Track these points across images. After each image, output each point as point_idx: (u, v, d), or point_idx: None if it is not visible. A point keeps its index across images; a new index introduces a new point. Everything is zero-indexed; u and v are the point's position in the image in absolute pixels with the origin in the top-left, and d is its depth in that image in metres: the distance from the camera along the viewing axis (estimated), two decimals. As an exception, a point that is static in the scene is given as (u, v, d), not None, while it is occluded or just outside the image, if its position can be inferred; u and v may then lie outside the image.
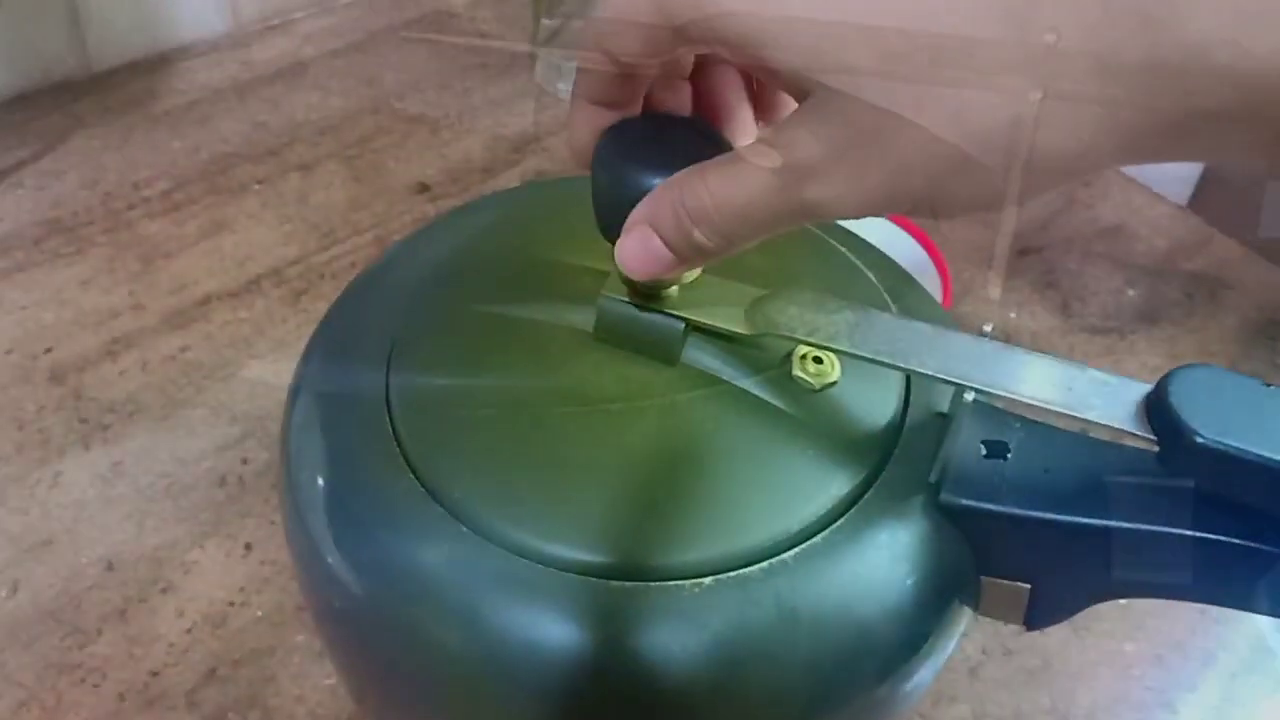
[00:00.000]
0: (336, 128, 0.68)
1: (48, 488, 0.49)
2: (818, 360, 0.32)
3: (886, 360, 0.30)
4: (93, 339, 0.55)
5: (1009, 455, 0.30)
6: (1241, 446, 0.26)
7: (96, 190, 0.63)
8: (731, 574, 0.28)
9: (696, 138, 0.30)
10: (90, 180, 0.64)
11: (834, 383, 0.32)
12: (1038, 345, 0.58)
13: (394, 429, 0.31)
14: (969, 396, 0.30)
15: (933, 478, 0.30)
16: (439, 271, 0.35)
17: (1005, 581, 0.31)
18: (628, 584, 0.28)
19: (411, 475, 0.30)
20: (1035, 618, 0.32)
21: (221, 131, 0.68)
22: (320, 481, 0.31)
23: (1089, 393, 0.28)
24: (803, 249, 0.37)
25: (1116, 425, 0.28)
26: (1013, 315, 0.60)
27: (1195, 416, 0.26)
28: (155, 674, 0.43)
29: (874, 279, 0.36)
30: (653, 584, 0.28)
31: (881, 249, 0.54)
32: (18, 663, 0.43)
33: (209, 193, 0.64)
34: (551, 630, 0.28)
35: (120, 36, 0.71)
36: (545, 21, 0.70)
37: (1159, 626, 0.47)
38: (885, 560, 0.29)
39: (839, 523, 0.29)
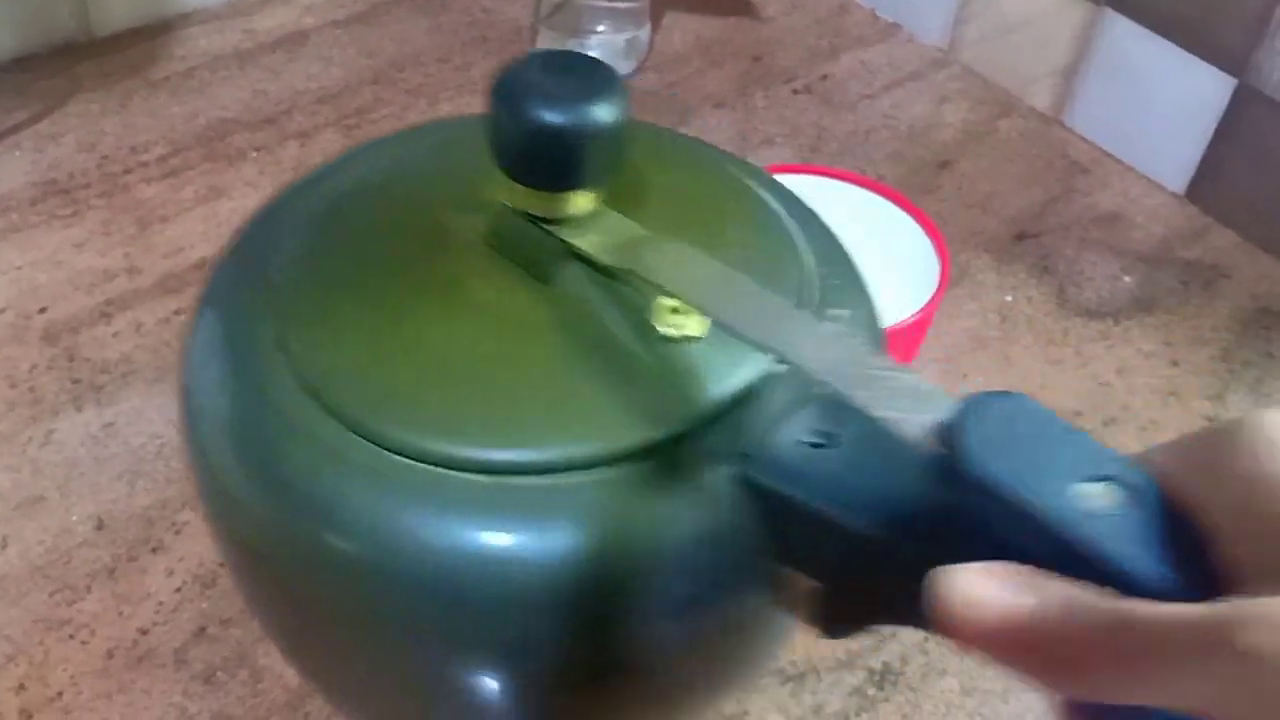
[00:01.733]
0: (336, 97, 0.68)
1: (39, 446, 0.49)
2: (676, 311, 0.32)
3: (716, 316, 0.30)
4: (87, 300, 0.55)
5: (832, 447, 0.29)
6: (1011, 485, 0.23)
7: (94, 153, 0.63)
8: (564, 475, 0.29)
9: (595, 73, 0.31)
10: (88, 143, 0.64)
11: (694, 338, 0.32)
12: (1033, 329, 0.58)
13: (285, 343, 0.31)
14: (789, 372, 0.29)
15: (745, 450, 0.29)
16: (340, 198, 0.36)
17: (801, 576, 0.30)
18: (470, 476, 0.29)
19: (298, 388, 0.30)
20: (830, 623, 0.30)
21: (221, 99, 0.68)
22: (216, 400, 0.32)
23: (898, 393, 0.27)
24: (740, 207, 0.37)
25: (910, 433, 0.26)
26: (1008, 299, 0.60)
27: (977, 444, 0.24)
28: (144, 632, 0.43)
29: (805, 248, 0.36)
30: (489, 477, 0.29)
31: (883, 230, 0.54)
32: (6, 617, 0.43)
33: (206, 159, 0.63)
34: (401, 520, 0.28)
35: (122, 2, 0.71)
36: (548, -4, 0.70)
37: (1147, 608, 0.47)
38: (679, 512, 0.29)
39: (644, 462, 0.29)
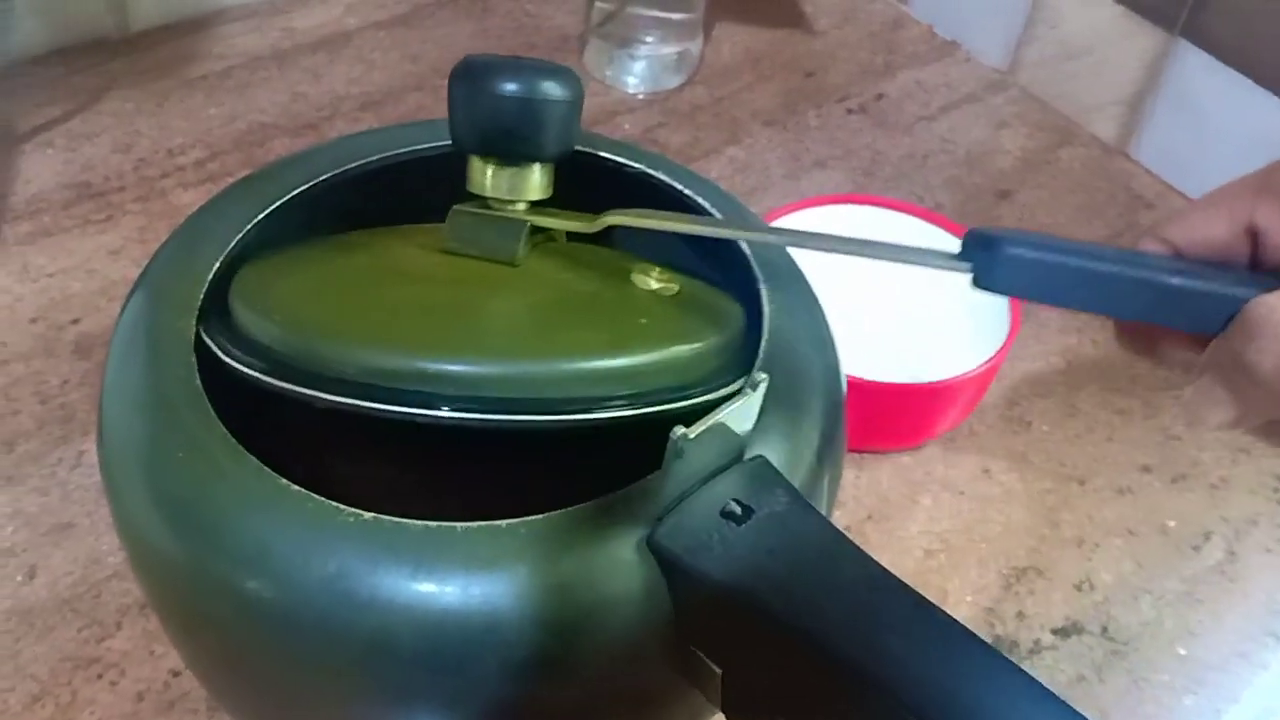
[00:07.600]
0: (378, 103, 0.66)
1: (69, 468, 0.47)
2: (657, 276, 0.35)
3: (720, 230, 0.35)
4: (121, 312, 0.53)
5: (745, 522, 0.28)
6: (1047, 254, 0.28)
7: (130, 155, 0.61)
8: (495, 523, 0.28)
9: (545, 62, 0.34)
10: (123, 144, 0.62)
11: (676, 292, 0.34)
12: (1099, 375, 0.56)
13: (200, 367, 0.31)
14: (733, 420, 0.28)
15: (657, 513, 0.28)
16: (292, 203, 0.36)
17: (701, 655, 0.28)
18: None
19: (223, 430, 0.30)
20: (733, 709, 0.29)
21: (259, 101, 0.66)
22: (131, 427, 0.31)
23: (913, 240, 0.31)
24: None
25: (932, 261, 0.29)
26: (1073, 341, 0.57)
27: (1006, 237, 0.28)
28: (176, 674, 0.41)
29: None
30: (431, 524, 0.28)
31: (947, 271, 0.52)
32: (32, 654, 0.41)
33: (245, 164, 0.61)
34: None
35: (159, -5, 0.69)
36: (600, 4, 0.68)
37: (1220, 680, 0.45)
38: (581, 576, 0.28)
39: (552, 522, 0.28)
